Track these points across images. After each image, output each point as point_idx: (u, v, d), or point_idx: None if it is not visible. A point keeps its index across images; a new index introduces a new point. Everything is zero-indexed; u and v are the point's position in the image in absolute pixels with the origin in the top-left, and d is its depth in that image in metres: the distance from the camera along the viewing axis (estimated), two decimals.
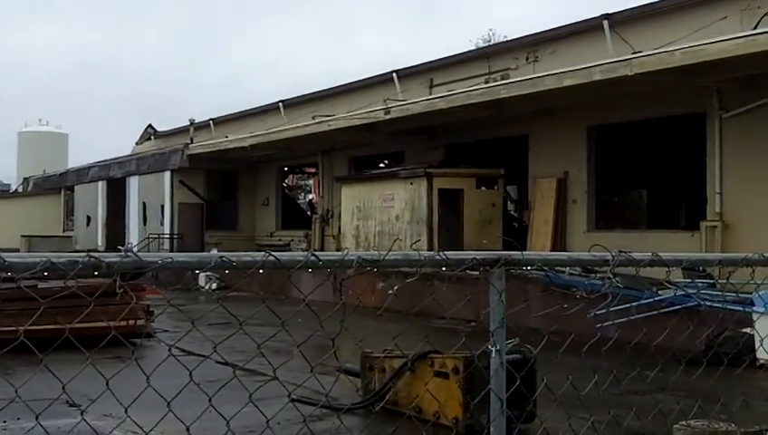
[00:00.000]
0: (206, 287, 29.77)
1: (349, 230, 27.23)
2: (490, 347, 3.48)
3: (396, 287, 18.73)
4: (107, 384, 3.42)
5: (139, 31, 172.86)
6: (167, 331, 16.64)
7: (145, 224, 37.87)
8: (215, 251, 19.51)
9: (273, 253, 3.07)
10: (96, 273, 3.01)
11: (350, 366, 10.48)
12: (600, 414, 5.61)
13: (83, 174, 44.94)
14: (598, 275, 17.76)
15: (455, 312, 19.40)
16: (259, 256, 3.10)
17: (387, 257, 3.12)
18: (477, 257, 3.35)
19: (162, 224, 36.52)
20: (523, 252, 3.46)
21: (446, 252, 3.28)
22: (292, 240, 32.74)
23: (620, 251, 3.66)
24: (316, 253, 3.09)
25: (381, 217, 25.84)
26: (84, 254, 2.98)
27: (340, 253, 3.17)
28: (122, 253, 3.03)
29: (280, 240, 33.46)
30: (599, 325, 13.39)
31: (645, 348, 5.07)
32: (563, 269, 17.25)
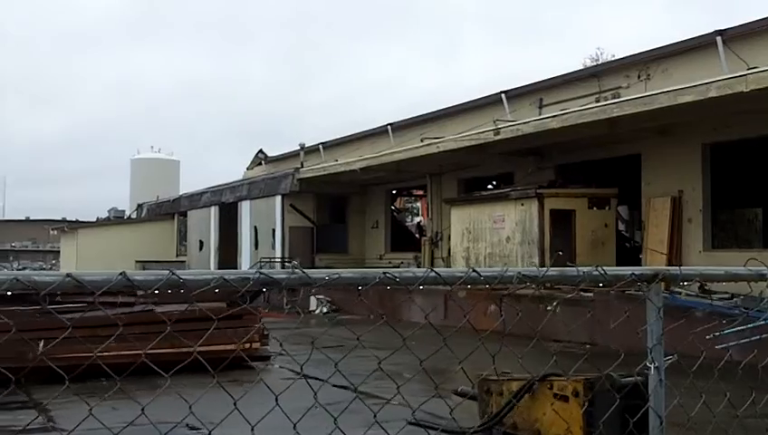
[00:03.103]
0: (318, 311, 30.02)
1: (459, 252, 27.19)
2: (648, 364, 3.46)
3: (555, 304, 18.65)
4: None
5: (248, 56, 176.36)
6: (281, 354, 16.88)
7: (257, 248, 38.43)
8: None
9: (434, 269, 3.12)
10: (264, 290, 3.13)
11: (466, 389, 10.46)
12: None
13: (196, 199, 45.87)
14: (717, 297, 17.51)
15: (569, 334, 19.27)
16: (420, 271, 3.16)
17: (546, 274, 3.14)
18: (636, 272, 3.34)
19: (273, 248, 37.01)
20: (681, 267, 3.44)
21: (603, 267, 3.28)
22: (401, 263, 32.84)
23: None
24: (476, 268, 3.12)
25: (492, 238, 25.74)
26: (255, 271, 3.09)
27: (499, 268, 3.19)
28: (289, 269, 3.13)
29: (390, 262, 33.54)
30: (719, 346, 13.14)
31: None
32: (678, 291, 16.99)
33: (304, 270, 3.11)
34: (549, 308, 18.81)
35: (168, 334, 11.53)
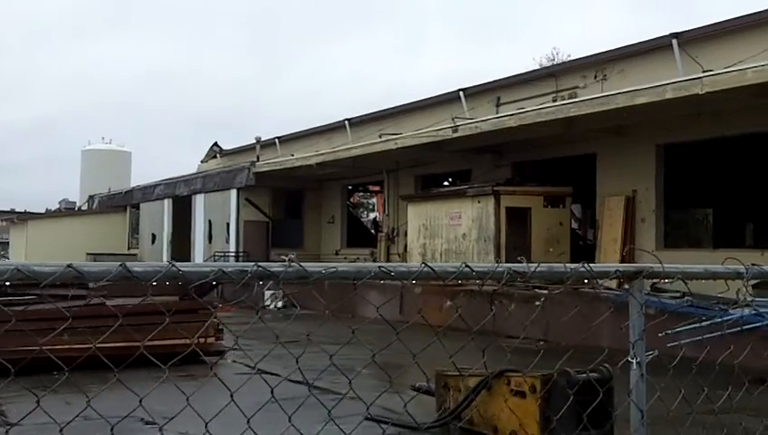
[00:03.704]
0: (272, 305, 29.89)
1: (415, 248, 27.33)
2: (630, 359, 3.58)
3: (543, 299, 18.83)
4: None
5: (204, 48, 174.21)
6: (235, 349, 16.83)
7: (210, 242, 38.24)
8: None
9: (427, 263, 3.20)
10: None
11: (423, 385, 10.54)
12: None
13: (149, 192, 45.52)
14: (668, 295, 17.80)
15: (522, 331, 19.50)
16: (414, 266, 3.23)
17: (536, 270, 3.24)
18: (620, 269, 3.45)
19: (228, 242, 36.86)
20: (664, 264, 3.56)
21: (589, 264, 3.39)
22: (357, 258, 32.88)
23: (753, 264, 3.74)
24: (468, 264, 3.21)
25: (448, 235, 25.93)
26: (253, 263, 3.14)
27: (490, 264, 3.28)
28: (286, 263, 3.18)
29: (345, 258, 33.61)
30: (670, 344, 13.41)
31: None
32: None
33: (301, 263, 3.17)
34: (537, 304, 19.02)
35: (121, 328, 11.45)
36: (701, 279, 3.77)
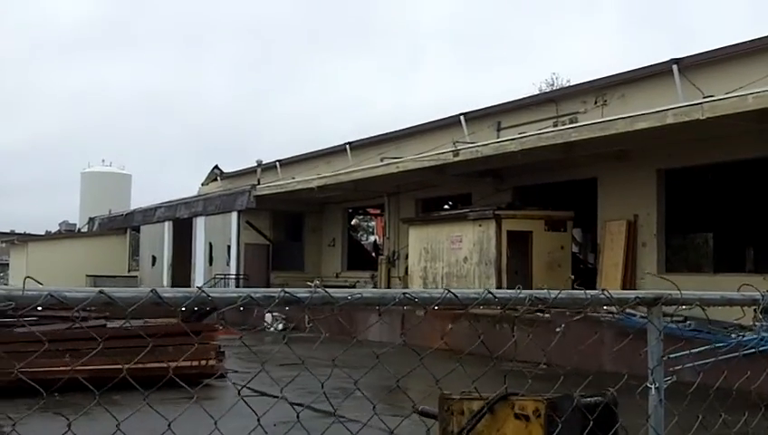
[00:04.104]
0: (273, 328, 29.88)
1: (416, 272, 27.36)
2: (649, 385, 3.62)
3: (563, 325, 18.80)
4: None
5: (205, 70, 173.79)
6: (237, 371, 16.82)
7: (211, 264, 38.30)
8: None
9: (450, 289, 3.25)
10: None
11: (427, 408, 10.54)
12: None
13: (150, 214, 45.60)
14: (670, 319, 17.85)
15: (523, 355, 19.47)
16: (437, 292, 3.28)
17: (557, 297, 3.29)
18: (639, 296, 3.50)
19: (228, 264, 36.91)
20: (682, 291, 3.62)
21: (607, 290, 3.44)
22: (357, 281, 32.90)
23: None
24: (490, 290, 3.26)
25: (449, 258, 25.95)
26: (280, 289, 3.19)
27: (512, 290, 3.34)
28: (312, 289, 3.23)
29: (346, 281, 33.64)
30: (672, 369, 13.41)
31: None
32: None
33: (326, 289, 3.21)
34: (558, 330, 19.01)
35: (125, 350, 11.47)
36: (717, 305, 3.83)
